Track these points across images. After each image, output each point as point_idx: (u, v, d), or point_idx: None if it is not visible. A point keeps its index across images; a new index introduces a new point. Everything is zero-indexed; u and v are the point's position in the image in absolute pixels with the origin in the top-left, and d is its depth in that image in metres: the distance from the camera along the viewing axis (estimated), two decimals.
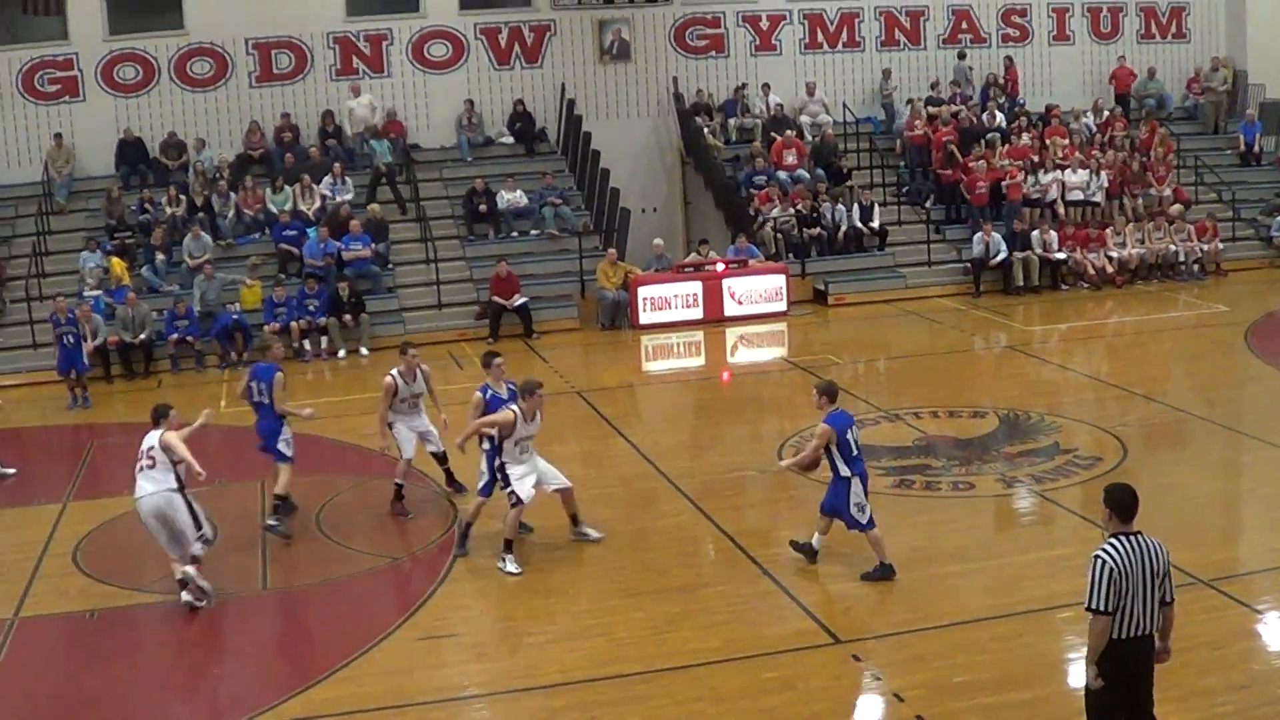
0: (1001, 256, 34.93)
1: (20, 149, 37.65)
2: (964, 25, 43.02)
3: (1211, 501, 19.31)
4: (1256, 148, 41.31)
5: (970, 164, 37.20)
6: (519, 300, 32.99)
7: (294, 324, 31.52)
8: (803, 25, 41.99)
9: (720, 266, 34.10)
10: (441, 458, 20.31)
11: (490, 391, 18.11)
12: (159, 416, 17.00)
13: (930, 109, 40.15)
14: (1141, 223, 36.49)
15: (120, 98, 38.02)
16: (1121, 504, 10.45)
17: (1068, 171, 37.46)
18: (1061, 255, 35.50)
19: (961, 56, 42.32)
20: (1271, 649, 14.22)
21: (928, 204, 38.25)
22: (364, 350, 31.95)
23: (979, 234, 35.11)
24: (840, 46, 42.38)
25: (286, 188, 35.82)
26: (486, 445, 17.73)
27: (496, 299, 32.89)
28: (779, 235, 36.02)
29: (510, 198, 36.65)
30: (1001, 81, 41.99)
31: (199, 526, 16.75)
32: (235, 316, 31.55)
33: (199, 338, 31.44)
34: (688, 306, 33.70)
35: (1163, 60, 44.12)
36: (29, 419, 26.36)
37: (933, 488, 19.65)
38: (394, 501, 19.69)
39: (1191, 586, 14.70)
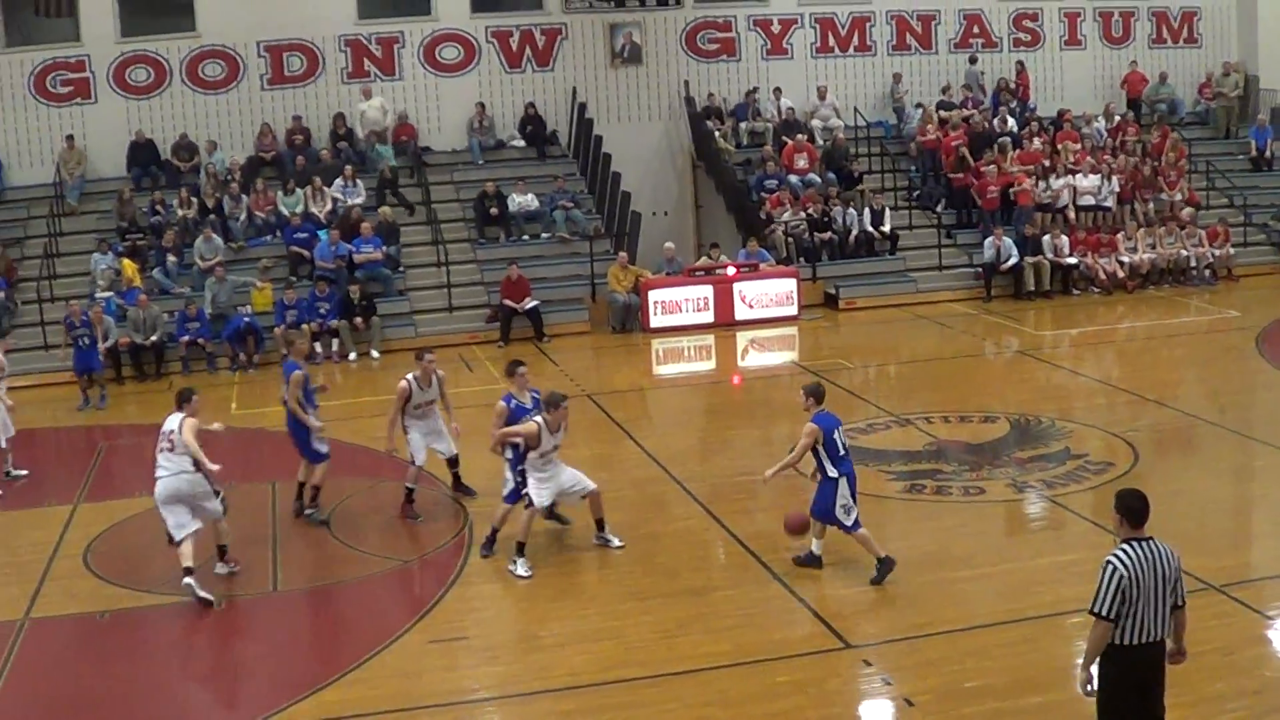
0: (1013, 261, 34.90)
1: (32, 150, 37.74)
2: (975, 29, 42.99)
3: (1222, 507, 19.29)
4: (1268, 153, 41.22)
5: (982, 168, 37.16)
6: (530, 303, 33.00)
7: (305, 326, 31.48)
8: (814, 29, 41.98)
9: (731, 270, 34.09)
10: (453, 461, 20.31)
11: (514, 401, 18.11)
12: (182, 400, 17.40)
13: (942, 113, 40.11)
14: (1153, 228, 36.44)
15: (132, 99, 38.09)
16: (1133, 509, 10.42)
17: (1079, 176, 37.43)
18: (1073, 260, 35.45)
19: (973, 61, 42.29)
20: None
21: (939, 208, 38.24)
22: (375, 353, 31.98)
23: (990, 239, 35.08)
24: (851, 50, 42.36)
25: (298, 190, 35.87)
26: (510, 453, 17.72)
27: (507, 302, 32.89)
28: (790, 239, 36.03)
29: (521, 201, 36.66)
30: (1013, 86, 41.96)
31: (218, 494, 17.34)
32: (246, 319, 31.58)
33: (210, 340, 31.45)
34: (698, 310, 33.70)
35: (1174, 65, 44.06)
36: (40, 420, 26.37)
37: (944, 492, 19.63)
38: (404, 505, 19.71)
39: (1203, 592, 14.71)
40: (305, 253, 34.21)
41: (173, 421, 17.16)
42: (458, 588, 16.99)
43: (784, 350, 32.07)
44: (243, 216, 35.49)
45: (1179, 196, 38.20)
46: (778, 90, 40.92)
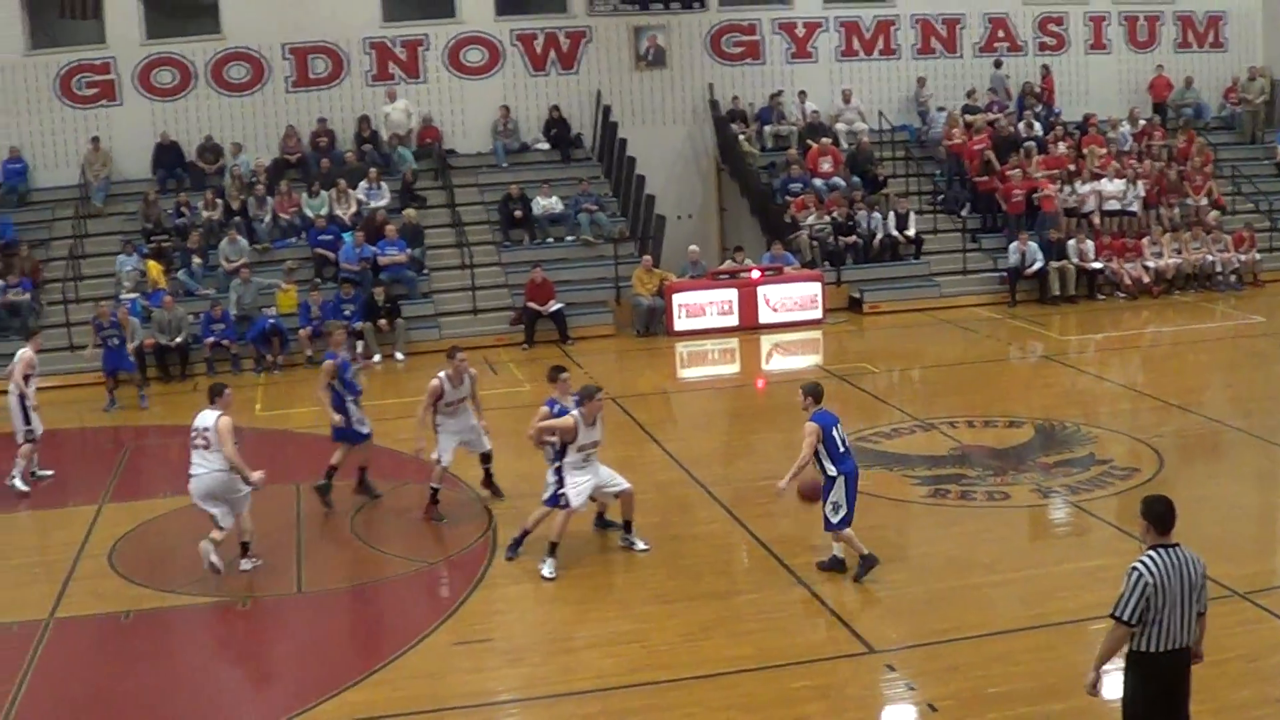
0: (1037, 266, 34.85)
1: (58, 152, 37.88)
2: (1000, 33, 42.95)
3: (1248, 513, 19.20)
4: None
5: (1007, 173, 37.11)
6: (554, 306, 33.03)
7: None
8: (839, 32, 41.96)
9: (755, 274, 34.07)
10: (486, 457, 20.36)
11: (557, 406, 18.12)
12: (215, 395, 17.63)
13: (967, 117, 40.05)
14: (1178, 233, 36.35)
15: (157, 101, 38.22)
16: (1159, 516, 10.40)
17: (1104, 181, 37.33)
18: (1098, 265, 35.40)
19: (998, 65, 42.23)
20: None
21: (964, 212, 38.19)
22: (399, 355, 32.03)
23: (1015, 243, 35.04)
24: (876, 54, 42.34)
25: (323, 192, 35.95)
26: (552, 455, 17.75)
27: (532, 305, 32.93)
28: (814, 243, 36.02)
29: (546, 204, 36.72)
30: (1038, 90, 41.89)
31: (249, 481, 17.46)
32: (271, 320, 31.66)
33: (235, 341, 31.53)
34: (723, 313, 33.70)
35: (1200, 69, 43.93)
36: (66, 421, 26.44)
37: (968, 497, 19.58)
38: (429, 505, 19.71)
39: (1227, 599, 14.66)
40: (330, 255, 34.30)
41: (207, 418, 17.36)
42: (482, 589, 17.00)
43: (808, 354, 32.04)
44: (267, 218, 35.62)
45: (1204, 201, 38.09)
46: (802, 93, 40.89)
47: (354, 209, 35.77)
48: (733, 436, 25.45)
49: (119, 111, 38.06)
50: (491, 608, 16.46)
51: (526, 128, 40.24)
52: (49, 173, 37.68)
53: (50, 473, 22.97)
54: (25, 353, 23.16)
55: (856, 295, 35.32)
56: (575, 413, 17.31)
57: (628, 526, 18.09)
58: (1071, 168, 38.03)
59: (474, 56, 39.97)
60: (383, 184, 36.53)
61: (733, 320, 33.68)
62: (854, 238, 36.27)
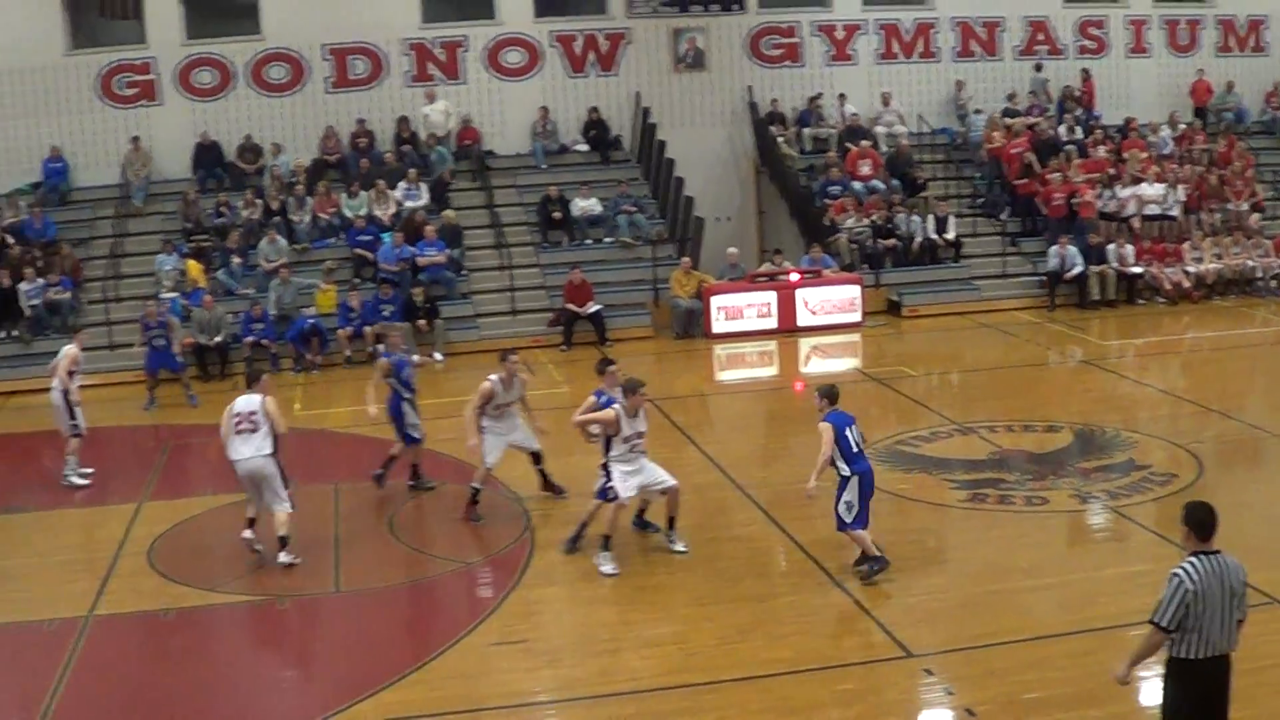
0: (1077, 270, 34.72)
1: (98, 152, 38.08)
2: (1040, 36, 42.83)
3: None
4: None
5: (1047, 176, 37.00)
6: (592, 308, 33.05)
7: (368, 329, 31.60)
8: (878, 35, 41.91)
9: (794, 276, 34.03)
10: (537, 457, 20.38)
11: (605, 396, 18.21)
12: (253, 379, 18.16)
13: (1007, 120, 39.95)
14: (1219, 237, 36.17)
15: (197, 102, 38.39)
16: (1201, 523, 10.36)
17: (1144, 185, 37.17)
18: (1138, 269, 35.26)
19: (1038, 69, 42.11)
20: None
21: (1003, 216, 38.07)
22: (438, 355, 32.07)
23: (1055, 247, 34.89)
24: (915, 56, 42.26)
25: (362, 193, 36.04)
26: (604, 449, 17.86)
27: (570, 306, 32.96)
28: (854, 245, 35.95)
29: (584, 205, 36.74)
30: (1078, 94, 41.76)
31: (287, 485, 17.94)
32: (310, 320, 31.74)
33: (274, 341, 31.62)
34: (761, 316, 33.65)
35: (1241, 74, 43.71)
36: (106, 419, 26.49)
37: (1007, 502, 19.51)
38: (468, 505, 19.70)
39: (1268, 606, 14.59)
40: (369, 255, 34.38)
41: (251, 402, 17.79)
42: (519, 590, 17.01)
43: (847, 357, 31.94)
44: (307, 219, 35.71)
45: (1245, 206, 37.90)
46: (842, 96, 40.85)
47: (393, 209, 35.83)
48: (770, 439, 25.42)
49: (159, 111, 38.24)
50: (529, 608, 16.48)
51: (565, 129, 40.27)
52: (90, 172, 37.89)
53: (90, 471, 23.02)
54: (70, 349, 23.33)
55: (895, 298, 35.24)
56: (617, 405, 17.44)
57: (670, 524, 18.10)
58: (1111, 171, 37.88)
59: (513, 58, 40.03)
60: (421, 185, 36.58)
61: (771, 323, 33.62)
62: (893, 241, 36.18)
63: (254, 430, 17.67)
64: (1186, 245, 35.80)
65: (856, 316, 33.99)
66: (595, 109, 40.10)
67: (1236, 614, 10.35)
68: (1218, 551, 10.32)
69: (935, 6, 42.18)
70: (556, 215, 36.46)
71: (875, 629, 15.23)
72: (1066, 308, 34.64)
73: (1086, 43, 43.22)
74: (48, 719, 13.86)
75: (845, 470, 16.44)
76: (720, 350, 32.68)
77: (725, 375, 31.82)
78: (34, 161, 37.44)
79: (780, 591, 16.66)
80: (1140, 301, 35.15)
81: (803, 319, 33.67)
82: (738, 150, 41.56)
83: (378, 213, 35.67)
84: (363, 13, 38.79)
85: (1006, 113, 40.63)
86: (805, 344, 32.70)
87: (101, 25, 38.23)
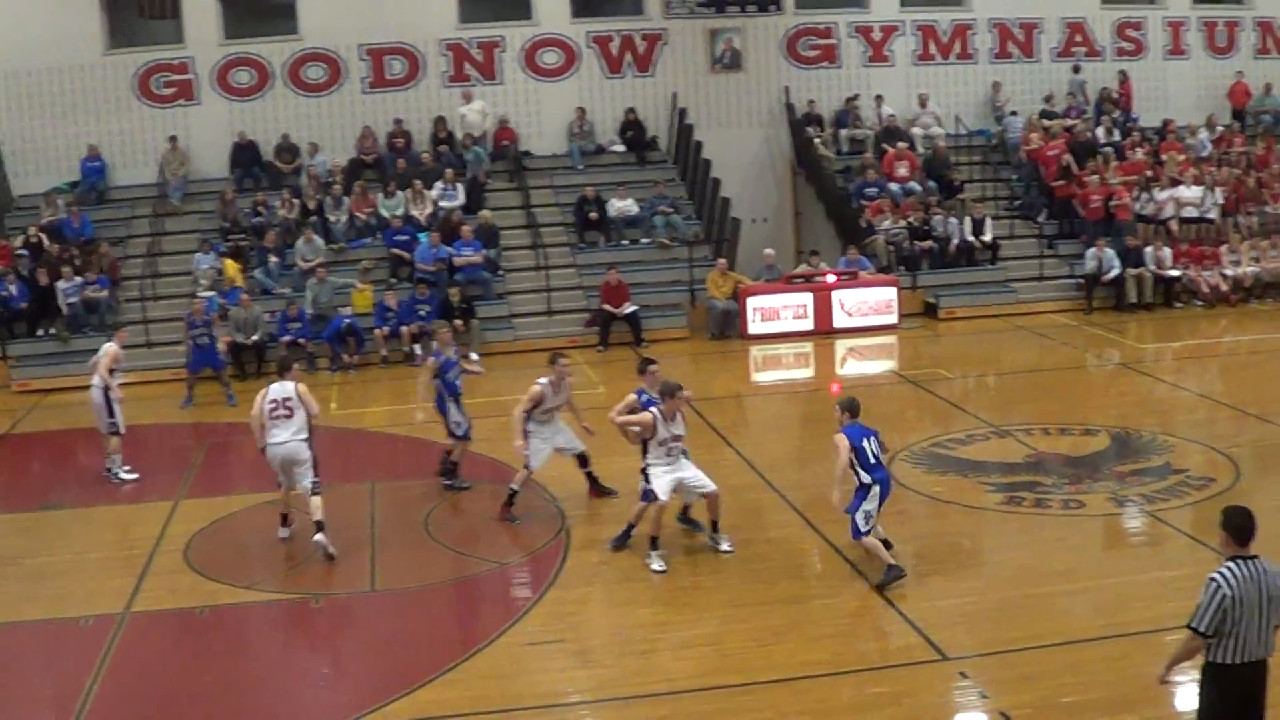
0: (1114, 273, 34.58)
1: (136, 151, 38.28)
2: (1078, 38, 42.69)
3: None
4: None
5: (1085, 178, 36.88)
6: (629, 308, 33.08)
7: (404, 329, 31.69)
8: (915, 36, 41.84)
9: (831, 278, 33.98)
10: (583, 460, 20.40)
11: (645, 396, 18.29)
12: (285, 368, 18.79)
13: (1044, 122, 39.85)
14: (1256, 240, 36.00)
15: (235, 101, 38.57)
16: (1238, 527, 10.32)
17: (1182, 187, 37.02)
18: (1175, 272, 35.10)
19: (1076, 70, 41.98)
20: None
21: (1040, 218, 37.96)
22: (474, 356, 32.03)
23: (1092, 249, 34.77)
24: (953, 58, 42.17)
25: (399, 193, 36.12)
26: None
27: (606, 307, 32.99)
28: (890, 247, 35.89)
29: (621, 206, 36.77)
30: (1115, 96, 41.62)
31: (317, 474, 18.31)
32: (347, 320, 31.81)
33: (311, 340, 31.71)
34: (797, 318, 33.61)
35: None
36: (142, 417, 26.58)
37: (1043, 505, 19.46)
38: (504, 506, 19.73)
39: None
40: (405, 255, 34.44)
41: (286, 389, 18.39)
42: (554, 591, 17.03)
43: (883, 359, 31.88)
44: (343, 218, 35.79)
45: None
46: (879, 97, 40.80)
47: (429, 209, 35.90)
48: (806, 441, 25.35)
49: (197, 111, 38.41)
50: (563, 609, 16.48)
51: (602, 129, 40.34)
52: (127, 171, 38.09)
53: (135, 472, 23.13)
54: (111, 347, 23.48)
55: (932, 300, 35.17)
56: (655, 409, 17.50)
57: (714, 526, 18.14)
58: (1149, 174, 37.74)
59: (550, 58, 40.08)
60: (458, 185, 36.63)
61: (807, 324, 33.58)
62: (930, 243, 36.09)
63: (289, 416, 18.24)
64: (1224, 248, 35.63)
65: (893, 318, 33.94)
66: (632, 110, 40.13)
67: (1274, 619, 10.30)
68: (1255, 557, 10.29)
69: (973, 8, 42.11)
70: (593, 216, 36.49)
71: (910, 632, 15.19)
72: (1103, 310, 34.52)
73: (1124, 44, 43.06)
74: (83, 716, 13.92)
75: (865, 479, 16.55)
76: (756, 351, 32.67)
77: (761, 377, 31.80)
78: (72, 161, 37.68)
79: (816, 593, 16.65)
80: (1177, 305, 35.00)
81: (839, 321, 33.63)
82: (774, 151, 41.54)
83: (414, 213, 35.73)
84: (400, 13, 38.91)
85: (1044, 114, 40.55)
86: (841, 346, 32.64)
87: (139, 25, 38.40)
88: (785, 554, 18.06)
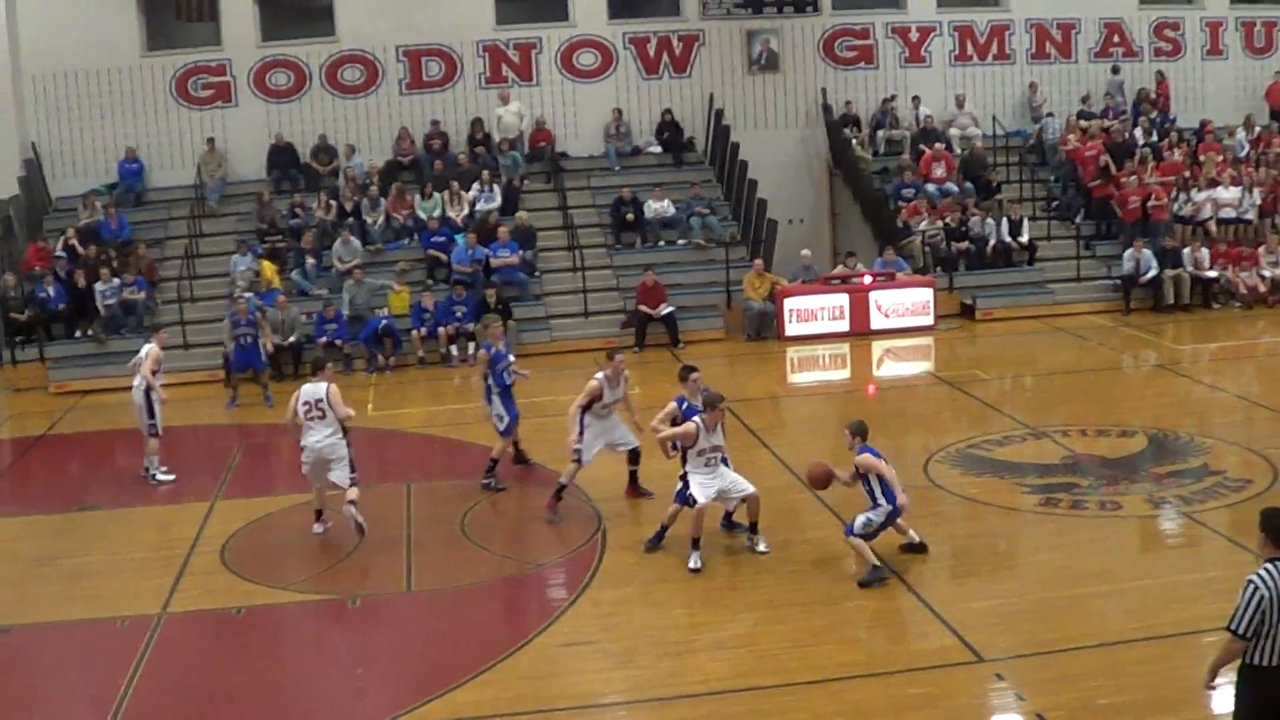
0: (1152, 274, 34.44)
1: (174, 152, 38.46)
2: (1115, 39, 42.53)
3: None
4: None
5: (1123, 179, 36.76)
6: (665, 309, 33.08)
7: (441, 330, 31.76)
8: (952, 37, 41.74)
9: (867, 279, 33.91)
10: (634, 457, 20.39)
11: (686, 404, 18.37)
12: (319, 368, 19.03)
13: (1082, 123, 39.73)
14: None
15: (272, 103, 38.73)
16: (1277, 529, 10.28)
17: (1220, 188, 36.87)
18: (1213, 273, 34.93)
19: (1115, 71, 41.84)
20: None
21: (1078, 219, 37.85)
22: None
23: (1129, 250, 34.63)
24: (990, 59, 42.06)
25: (435, 194, 36.19)
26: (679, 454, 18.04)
27: (643, 308, 32.99)
28: (927, 248, 35.83)
29: (657, 207, 36.76)
30: (1153, 96, 41.48)
31: (353, 469, 18.73)
32: (384, 321, 31.88)
33: (347, 341, 31.80)
34: (834, 319, 33.56)
35: None
36: (180, 419, 26.68)
37: (1079, 507, 19.39)
38: (551, 500, 19.76)
39: None
40: (442, 256, 34.50)
41: (318, 390, 18.61)
42: (590, 591, 17.05)
43: (920, 360, 31.81)
44: (380, 220, 35.89)
45: None
46: (916, 98, 40.73)
47: (466, 211, 35.97)
48: (842, 442, 25.23)
49: (234, 113, 38.58)
50: (599, 610, 16.50)
51: (639, 131, 40.37)
52: (165, 173, 38.27)
53: (172, 473, 23.23)
54: (152, 348, 23.55)
55: (969, 301, 35.08)
56: (698, 418, 17.59)
57: (753, 528, 18.16)
58: (1186, 175, 37.58)
59: (587, 60, 40.13)
60: (494, 187, 36.69)
61: (844, 326, 33.53)
62: (966, 244, 36.01)
63: (323, 416, 18.51)
64: (1262, 249, 35.43)
65: (929, 320, 33.84)
66: (668, 111, 40.13)
67: None
68: None
69: (1010, 8, 41.99)
70: (629, 217, 36.49)
71: (946, 633, 15.16)
72: (1141, 312, 34.36)
73: (1162, 44, 42.87)
74: (120, 716, 13.99)
75: (881, 500, 16.91)
76: (793, 353, 32.64)
77: (797, 378, 31.79)
78: (110, 162, 37.98)
79: (851, 595, 16.59)
80: (1215, 306, 34.83)
81: (875, 322, 33.58)
82: (811, 152, 41.50)
83: (451, 214, 35.79)
84: (437, 15, 39.02)
85: (1081, 115, 40.43)
86: (878, 347, 32.60)
87: (177, 27, 38.62)
88: (821, 555, 18.01)
